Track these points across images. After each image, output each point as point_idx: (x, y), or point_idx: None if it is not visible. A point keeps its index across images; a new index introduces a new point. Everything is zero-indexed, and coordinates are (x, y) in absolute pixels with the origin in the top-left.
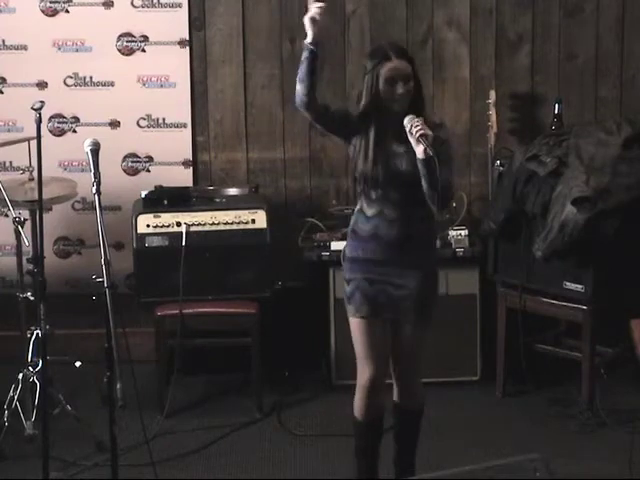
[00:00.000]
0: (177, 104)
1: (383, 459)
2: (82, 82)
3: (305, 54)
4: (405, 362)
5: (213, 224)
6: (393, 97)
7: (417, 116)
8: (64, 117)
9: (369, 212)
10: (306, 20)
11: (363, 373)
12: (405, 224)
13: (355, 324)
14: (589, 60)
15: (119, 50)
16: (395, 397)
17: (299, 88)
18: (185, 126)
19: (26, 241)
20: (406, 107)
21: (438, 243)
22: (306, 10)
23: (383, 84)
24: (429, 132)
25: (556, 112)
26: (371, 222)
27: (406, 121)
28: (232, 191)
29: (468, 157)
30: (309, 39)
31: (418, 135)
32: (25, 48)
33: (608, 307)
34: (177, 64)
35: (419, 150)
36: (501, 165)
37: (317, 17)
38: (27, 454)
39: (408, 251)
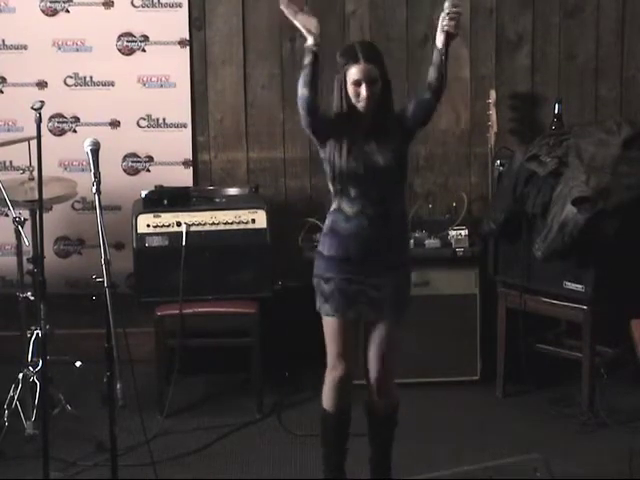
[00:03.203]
0: (177, 104)
1: (362, 460)
2: (82, 82)
3: (308, 57)
4: (381, 363)
5: (213, 224)
6: (357, 99)
7: (385, 114)
8: (64, 117)
9: (350, 211)
10: (294, 21)
11: (335, 369)
12: (385, 223)
13: (331, 323)
14: (589, 60)
15: (119, 50)
16: (368, 399)
17: (305, 92)
18: (185, 126)
19: (26, 241)
20: (372, 108)
21: (438, 243)
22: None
23: (349, 85)
24: (454, 32)
25: (556, 112)
26: (352, 221)
27: (447, 5)
28: (232, 191)
29: (468, 157)
30: (310, 41)
31: (446, 29)
32: (25, 48)
33: (608, 307)
34: (177, 64)
35: (440, 39)
36: (501, 165)
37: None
38: (27, 454)
39: (387, 250)
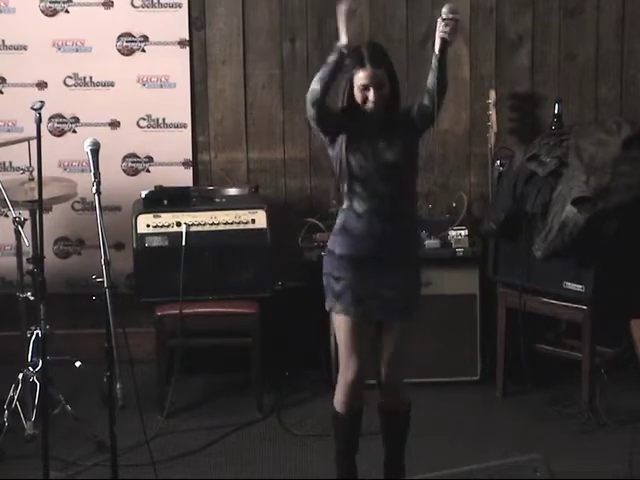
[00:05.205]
0: (177, 104)
1: (376, 460)
2: (82, 82)
3: (335, 56)
4: (391, 362)
5: (213, 224)
6: (365, 102)
7: (393, 112)
8: (64, 117)
9: (361, 209)
10: (341, 20)
11: (347, 369)
12: (397, 221)
13: (342, 322)
14: (589, 60)
15: (119, 50)
16: (381, 400)
17: (317, 87)
18: (185, 126)
19: (26, 241)
20: (380, 109)
21: (438, 243)
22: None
23: (356, 89)
24: (448, 39)
25: (556, 112)
26: (364, 219)
27: (444, 10)
28: (232, 191)
29: (468, 157)
30: (343, 41)
31: (441, 35)
32: (25, 48)
33: (608, 307)
34: (177, 64)
35: (437, 45)
36: (501, 165)
37: (349, 14)
38: (27, 454)
39: (400, 248)
